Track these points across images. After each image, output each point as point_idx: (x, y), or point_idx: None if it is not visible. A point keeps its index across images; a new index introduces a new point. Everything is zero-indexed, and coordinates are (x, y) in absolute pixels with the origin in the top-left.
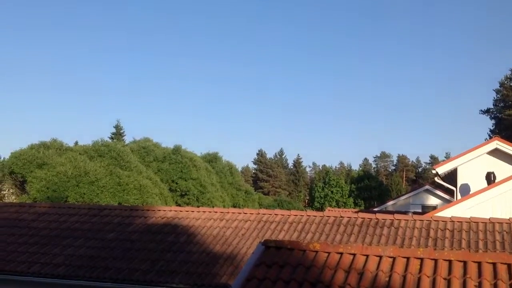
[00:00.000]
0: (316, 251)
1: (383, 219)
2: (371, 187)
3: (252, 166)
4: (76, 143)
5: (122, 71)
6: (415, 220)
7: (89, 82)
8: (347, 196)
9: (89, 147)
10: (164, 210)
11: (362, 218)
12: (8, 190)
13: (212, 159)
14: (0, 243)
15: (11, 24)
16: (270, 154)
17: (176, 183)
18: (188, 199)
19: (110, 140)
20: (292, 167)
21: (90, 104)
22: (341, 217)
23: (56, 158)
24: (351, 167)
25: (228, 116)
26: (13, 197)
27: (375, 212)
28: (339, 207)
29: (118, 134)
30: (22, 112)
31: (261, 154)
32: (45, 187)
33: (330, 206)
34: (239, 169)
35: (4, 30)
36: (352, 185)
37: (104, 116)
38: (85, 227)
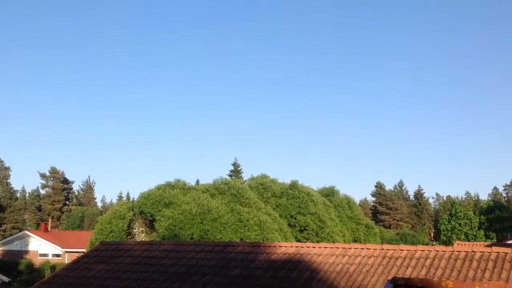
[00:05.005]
0: None
1: None
2: (503, 218)
3: (370, 198)
4: (198, 182)
5: (238, 111)
6: None
7: (206, 126)
8: (476, 228)
9: (210, 185)
10: (286, 246)
11: (496, 252)
12: (138, 228)
13: (329, 193)
14: (135, 281)
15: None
16: (389, 186)
17: (295, 219)
18: (308, 234)
19: (229, 178)
20: (413, 198)
21: (208, 144)
22: (473, 251)
23: (181, 197)
24: (478, 197)
25: (343, 149)
26: (143, 235)
27: (510, 246)
28: (468, 240)
29: (236, 171)
30: (154, 156)
31: (379, 186)
32: (172, 225)
33: (458, 239)
34: (357, 202)
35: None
36: (482, 216)
37: (221, 154)
38: (211, 264)
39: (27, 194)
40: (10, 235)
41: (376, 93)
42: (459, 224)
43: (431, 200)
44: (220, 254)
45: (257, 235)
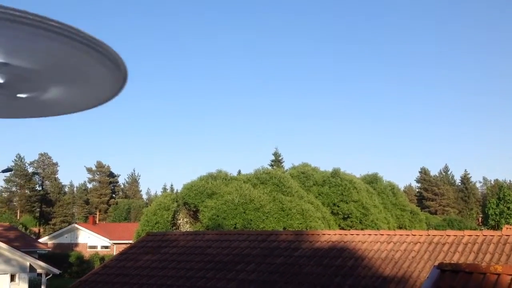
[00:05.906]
0: (498, 274)
1: None
2: None
3: (415, 184)
4: (239, 172)
5: (278, 100)
6: None
7: (245, 115)
8: None
9: (251, 175)
10: (329, 234)
11: None
12: (183, 219)
13: (372, 180)
14: (181, 270)
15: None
16: (434, 171)
17: (338, 206)
18: (351, 221)
19: (270, 168)
20: (459, 183)
21: (249, 133)
22: None
23: (223, 187)
24: None
25: (386, 136)
26: (187, 225)
27: None
28: None
29: (277, 161)
30: (196, 148)
31: (424, 171)
32: (216, 215)
33: (507, 223)
34: (401, 188)
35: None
36: None
37: (262, 144)
38: (254, 253)
39: (75, 189)
40: (60, 228)
41: (418, 78)
42: (508, 208)
43: (478, 185)
44: (263, 243)
45: (300, 223)
